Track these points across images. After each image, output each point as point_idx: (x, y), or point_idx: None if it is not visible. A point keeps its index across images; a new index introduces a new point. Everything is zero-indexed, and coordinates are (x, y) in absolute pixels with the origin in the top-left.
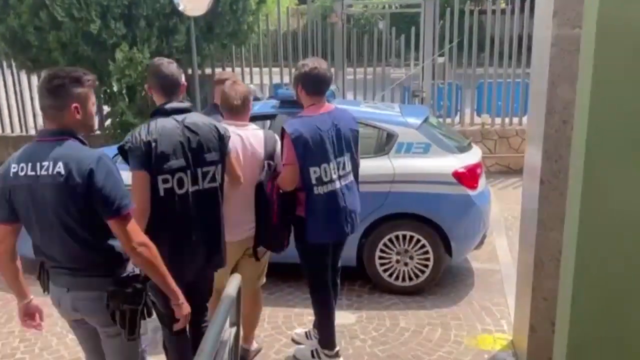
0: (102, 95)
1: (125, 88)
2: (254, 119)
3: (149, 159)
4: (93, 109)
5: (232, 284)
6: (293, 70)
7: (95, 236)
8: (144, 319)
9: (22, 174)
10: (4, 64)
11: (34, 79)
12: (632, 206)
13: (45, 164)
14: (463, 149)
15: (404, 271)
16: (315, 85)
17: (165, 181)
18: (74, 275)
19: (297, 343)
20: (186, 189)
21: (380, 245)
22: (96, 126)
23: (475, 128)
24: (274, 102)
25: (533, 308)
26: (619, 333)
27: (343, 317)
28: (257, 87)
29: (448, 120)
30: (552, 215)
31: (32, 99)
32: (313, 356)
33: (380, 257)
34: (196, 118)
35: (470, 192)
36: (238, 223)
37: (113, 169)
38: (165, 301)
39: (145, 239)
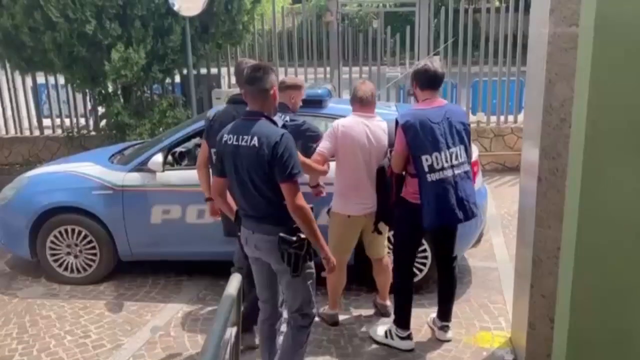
0: (97, 96)
1: (120, 88)
2: None
3: (208, 134)
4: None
5: (232, 284)
6: (289, 69)
7: (276, 195)
8: (306, 262)
9: (230, 142)
10: None
11: (29, 80)
12: (631, 203)
13: (246, 137)
14: None
15: None
16: (427, 81)
17: (215, 154)
18: (257, 222)
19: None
20: None
21: None
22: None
23: (471, 127)
24: None
25: (531, 305)
26: (618, 329)
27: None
28: None
29: None
30: (550, 212)
31: (26, 100)
32: (387, 336)
33: None
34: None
35: None
36: (361, 200)
37: (292, 145)
38: None
39: (303, 203)
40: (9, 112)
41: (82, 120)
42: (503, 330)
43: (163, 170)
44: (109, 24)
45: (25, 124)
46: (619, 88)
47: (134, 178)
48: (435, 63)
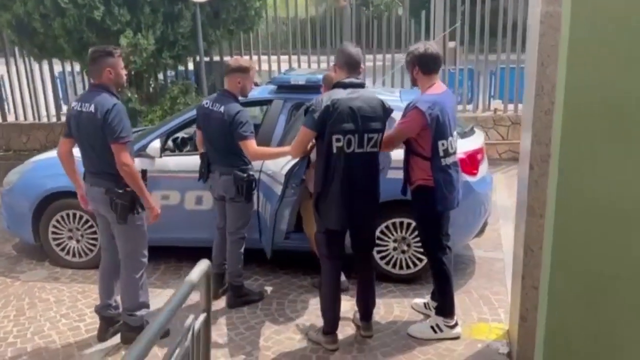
0: None
1: (133, 75)
2: (252, 104)
3: (325, 120)
4: (122, 72)
5: (196, 270)
6: (301, 56)
7: (109, 154)
8: (133, 213)
9: (77, 108)
10: (17, 53)
11: (46, 68)
12: (610, 190)
13: (87, 104)
14: (464, 135)
15: (401, 259)
16: (431, 64)
17: (337, 140)
18: (94, 176)
19: (417, 311)
20: (353, 149)
21: (377, 233)
22: (125, 84)
23: (487, 114)
24: (272, 87)
25: (523, 297)
26: (595, 319)
27: None
28: (266, 73)
29: (459, 106)
30: (542, 201)
31: (43, 87)
32: (435, 331)
33: (377, 245)
34: (366, 92)
35: (470, 179)
36: None
37: (122, 114)
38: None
39: (130, 161)
40: (27, 100)
41: None
42: (501, 322)
43: (161, 156)
44: (118, 10)
45: (43, 110)
46: (596, 71)
47: None
48: (433, 45)
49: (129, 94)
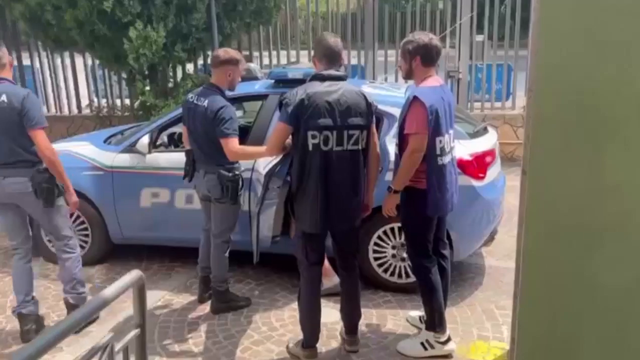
0: (127, 76)
1: (146, 68)
2: (247, 99)
3: (298, 115)
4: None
5: (117, 284)
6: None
7: (27, 141)
8: (57, 196)
9: None
10: (40, 46)
11: (67, 60)
12: (579, 201)
13: None
14: (474, 135)
15: (400, 267)
16: (434, 56)
17: (313, 137)
18: (10, 167)
19: (412, 325)
20: (330, 147)
21: (374, 239)
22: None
23: (516, 112)
24: (270, 81)
25: (514, 316)
26: (565, 339)
27: (326, 314)
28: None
29: (487, 104)
30: None
31: (65, 78)
32: (425, 348)
33: (375, 251)
34: (347, 85)
35: (475, 183)
36: None
37: (36, 101)
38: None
39: (51, 146)
40: (50, 91)
41: (118, 101)
42: (503, 341)
43: (150, 152)
44: (128, 1)
45: (65, 103)
46: (566, 69)
47: (123, 159)
48: (434, 36)
49: (145, 88)
